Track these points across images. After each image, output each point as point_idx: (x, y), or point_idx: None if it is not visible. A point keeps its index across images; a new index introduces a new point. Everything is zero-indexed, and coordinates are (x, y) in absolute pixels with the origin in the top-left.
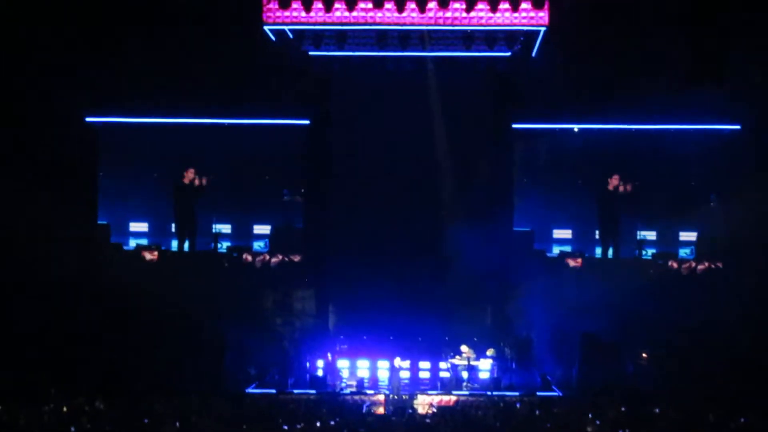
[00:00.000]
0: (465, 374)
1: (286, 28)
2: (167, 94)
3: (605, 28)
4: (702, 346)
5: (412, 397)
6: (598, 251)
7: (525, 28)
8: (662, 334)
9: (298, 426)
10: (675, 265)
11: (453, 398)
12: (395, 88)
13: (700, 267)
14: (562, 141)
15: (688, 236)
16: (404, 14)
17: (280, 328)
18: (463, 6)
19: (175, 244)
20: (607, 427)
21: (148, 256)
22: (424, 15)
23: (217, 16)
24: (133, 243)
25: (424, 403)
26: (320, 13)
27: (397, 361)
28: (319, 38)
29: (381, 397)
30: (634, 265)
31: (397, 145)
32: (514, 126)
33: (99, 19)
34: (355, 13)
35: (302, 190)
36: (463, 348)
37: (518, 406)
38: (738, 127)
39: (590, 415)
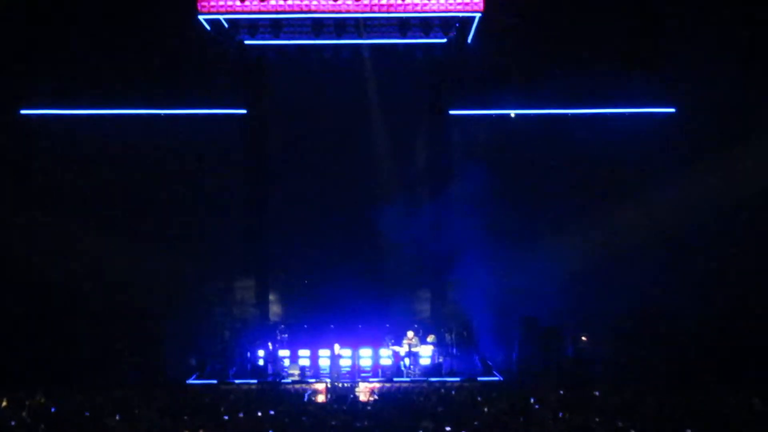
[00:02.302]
0: (406, 361)
1: (220, 17)
2: (102, 86)
3: (541, 13)
4: (641, 329)
5: (354, 384)
6: None
7: (460, 14)
8: (602, 317)
9: (240, 415)
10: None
11: (395, 385)
12: (332, 76)
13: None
14: (500, 126)
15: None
16: (339, 2)
17: (220, 319)
18: None
19: None
20: (548, 410)
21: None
22: (359, 2)
23: (152, 5)
24: None
25: (366, 391)
26: (255, 2)
27: (337, 349)
28: (254, 27)
29: (322, 386)
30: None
31: (335, 133)
32: (451, 112)
33: (33, 12)
34: (290, 1)
35: None
36: (409, 334)
37: (459, 391)
38: (673, 110)
39: (531, 400)
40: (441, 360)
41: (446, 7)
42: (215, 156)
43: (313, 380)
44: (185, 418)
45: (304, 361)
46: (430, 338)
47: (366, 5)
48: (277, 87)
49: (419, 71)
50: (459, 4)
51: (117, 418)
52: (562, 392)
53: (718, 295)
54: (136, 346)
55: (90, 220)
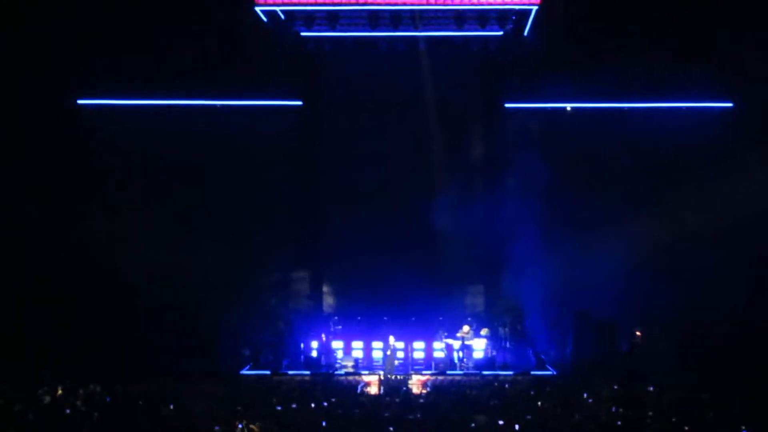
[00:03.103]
0: (460, 354)
1: (277, 8)
2: (158, 77)
3: (597, 6)
4: (696, 324)
5: (407, 377)
6: None
7: (517, 6)
8: (657, 312)
9: (293, 407)
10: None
11: (448, 378)
12: (387, 68)
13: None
14: (555, 120)
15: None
16: None
17: (275, 310)
18: None
19: None
20: (601, 404)
21: None
22: None
23: None
24: None
25: (419, 383)
26: None
27: (392, 342)
28: (310, 19)
29: (375, 378)
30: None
31: (389, 125)
32: (507, 105)
33: (91, 3)
34: None
35: None
36: (465, 328)
37: (513, 385)
38: (730, 104)
39: (585, 395)
40: (494, 353)
41: (503, 0)
42: (270, 147)
43: (366, 372)
44: (238, 408)
45: (358, 353)
46: (484, 332)
47: None
48: (333, 79)
49: (475, 64)
50: None
51: (171, 407)
52: (615, 387)
53: None
54: (191, 336)
55: (145, 210)
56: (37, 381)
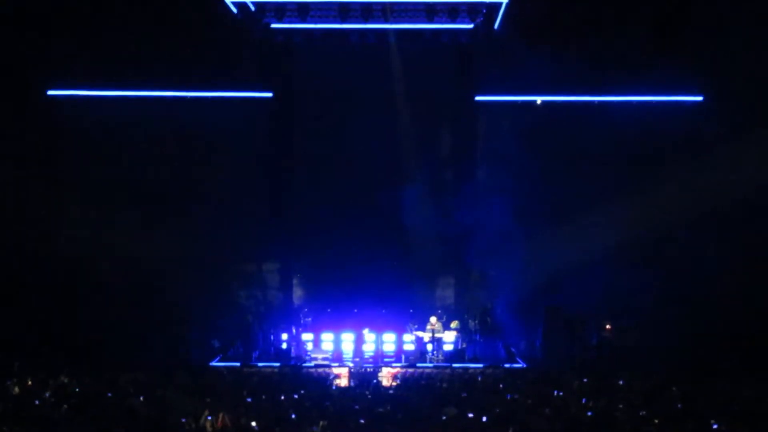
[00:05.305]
0: (429, 346)
1: (247, 0)
2: (128, 68)
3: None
4: (667, 317)
5: (377, 369)
6: None
7: None
8: (628, 305)
9: (263, 399)
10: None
11: (418, 370)
12: (358, 60)
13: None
14: (526, 113)
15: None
16: None
17: (244, 302)
18: None
19: None
20: (571, 398)
21: None
22: None
23: None
24: None
25: (389, 376)
26: None
27: (363, 334)
28: (281, 10)
29: (345, 370)
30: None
31: (360, 118)
32: (477, 98)
33: None
34: None
35: None
36: (432, 320)
37: (483, 377)
38: (700, 98)
39: (555, 388)
40: (464, 346)
41: None
42: (241, 139)
43: (336, 364)
44: (208, 400)
45: (328, 345)
46: (454, 324)
47: None
48: (303, 71)
49: (445, 57)
50: None
51: (140, 399)
52: (585, 380)
53: (748, 283)
54: (161, 327)
55: (115, 202)
56: (5, 372)
